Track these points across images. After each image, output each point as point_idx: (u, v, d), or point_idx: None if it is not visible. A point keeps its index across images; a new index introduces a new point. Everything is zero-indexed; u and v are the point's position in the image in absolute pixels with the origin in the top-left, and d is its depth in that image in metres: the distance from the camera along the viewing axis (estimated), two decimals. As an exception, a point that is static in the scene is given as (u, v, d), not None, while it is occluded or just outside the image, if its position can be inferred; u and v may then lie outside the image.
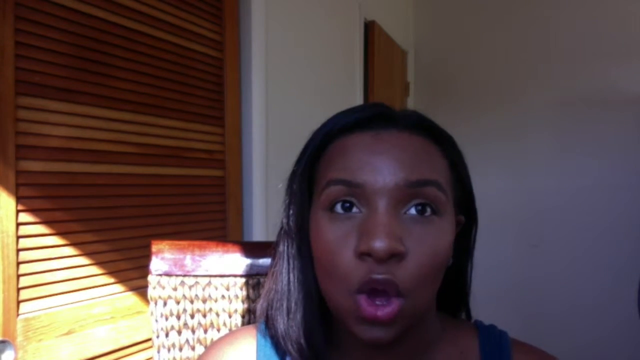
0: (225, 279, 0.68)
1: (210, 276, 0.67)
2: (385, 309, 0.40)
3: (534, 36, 2.65)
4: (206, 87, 1.39)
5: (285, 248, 0.49)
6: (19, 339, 0.91)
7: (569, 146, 2.57)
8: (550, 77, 2.61)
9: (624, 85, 2.44)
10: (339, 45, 2.10)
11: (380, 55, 2.43)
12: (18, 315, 0.91)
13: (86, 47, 1.05)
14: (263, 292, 0.53)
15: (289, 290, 0.48)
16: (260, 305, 0.52)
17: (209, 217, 1.40)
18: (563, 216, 2.56)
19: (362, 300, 0.41)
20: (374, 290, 0.41)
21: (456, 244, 0.47)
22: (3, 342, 0.88)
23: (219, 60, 1.43)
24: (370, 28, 2.35)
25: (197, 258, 0.68)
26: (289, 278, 0.48)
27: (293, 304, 0.48)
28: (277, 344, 0.49)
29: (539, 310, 2.59)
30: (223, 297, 0.67)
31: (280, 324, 0.48)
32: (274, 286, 0.50)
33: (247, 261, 0.68)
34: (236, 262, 0.68)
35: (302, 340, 0.47)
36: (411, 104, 2.96)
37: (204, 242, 0.69)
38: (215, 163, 1.43)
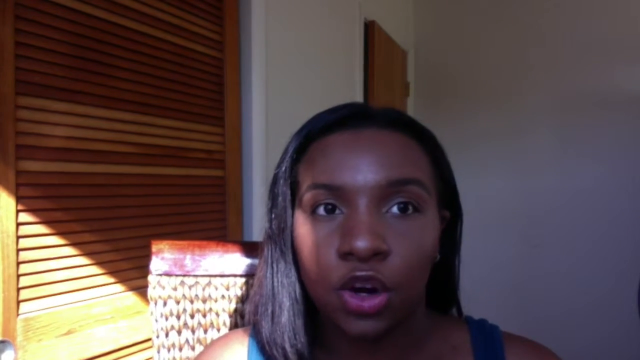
0: (225, 278, 0.68)
1: (210, 276, 0.67)
2: (372, 301, 0.40)
3: (534, 36, 2.65)
4: (206, 87, 1.39)
5: (269, 252, 0.49)
6: (19, 338, 0.91)
7: (569, 146, 2.57)
8: (550, 77, 2.61)
9: (624, 85, 2.44)
10: (339, 45, 2.10)
11: (380, 55, 2.43)
12: (18, 315, 0.91)
13: (86, 47, 1.05)
14: (250, 296, 0.52)
15: (273, 294, 0.48)
16: (247, 311, 0.52)
17: (209, 217, 1.40)
18: (564, 216, 2.56)
19: (346, 294, 0.41)
20: (357, 287, 0.41)
21: (442, 239, 0.47)
22: (3, 342, 0.88)
23: (219, 60, 1.43)
24: (370, 28, 2.35)
25: (197, 258, 0.68)
26: (273, 282, 0.48)
27: (277, 309, 0.47)
28: (263, 349, 0.49)
29: (539, 310, 2.59)
30: (223, 297, 0.67)
31: (265, 329, 0.48)
32: (258, 291, 0.50)
33: (247, 261, 0.68)
34: (236, 262, 0.68)
35: (287, 345, 0.46)
36: (411, 104, 2.96)
37: (204, 242, 0.69)
38: (215, 163, 1.43)
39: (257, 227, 1.53)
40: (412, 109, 2.96)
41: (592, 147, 2.51)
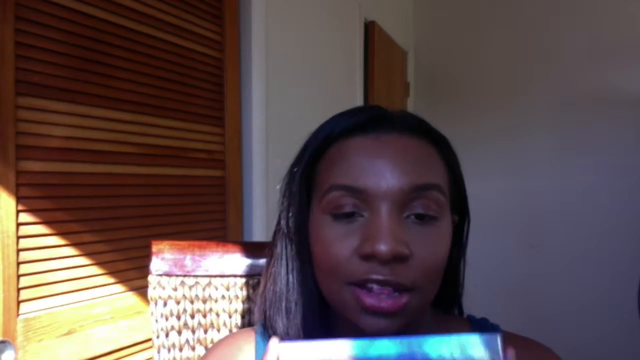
0: (226, 279, 0.68)
1: (211, 276, 0.67)
2: (390, 300, 0.41)
3: (534, 36, 2.65)
4: (206, 87, 1.39)
5: (284, 249, 0.50)
6: (19, 339, 0.91)
7: (569, 146, 2.57)
8: (550, 77, 2.61)
9: (624, 85, 2.44)
10: (339, 45, 2.10)
11: (380, 55, 2.43)
12: (18, 315, 0.91)
13: (86, 47, 1.05)
14: (259, 293, 0.53)
15: (287, 291, 0.48)
16: (257, 307, 0.52)
17: (209, 217, 1.40)
18: (563, 216, 2.56)
19: (360, 291, 0.42)
20: (374, 288, 0.41)
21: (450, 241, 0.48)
22: (3, 342, 0.88)
23: (219, 60, 1.43)
24: (370, 28, 2.35)
25: (197, 258, 0.68)
26: (287, 279, 0.49)
27: (293, 305, 0.48)
28: None
29: (538, 310, 2.59)
30: (223, 297, 0.67)
31: (280, 324, 0.48)
32: (272, 287, 0.50)
33: (247, 261, 0.68)
34: (236, 262, 0.68)
35: None
36: (411, 104, 2.96)
37: (204, 242, 0.69)
38: (215, 163, 1.43)
39: (257, 227, 1.54)
40: (412, 109, 2.95)
41: (591, 147, 2.51)
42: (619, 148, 2.45)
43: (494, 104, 2.75)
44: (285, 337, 0.48)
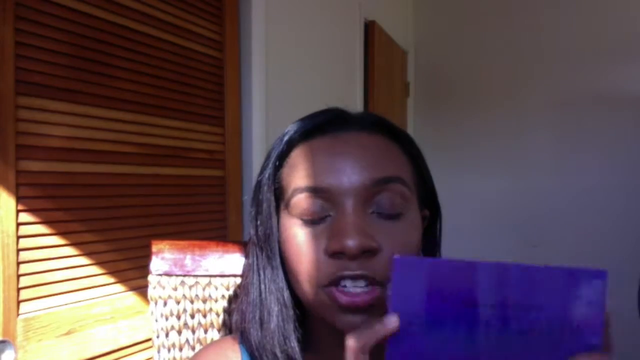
0: (226, 279, 0.68)
1: (211, 276, 0.67)
2: (364, 296, 0.41)
3: (533, 36, 2.65)
4: (206, 87, 1.39)
5: (255, 259, 0.49)
6: (19, 339, 0.91)
7: (569, 146, 2.57)
8: (550, 77, 2.61)
9: (624, 85, 2.44)
10: (339, 45, 2.10)
11: (380, 55, 2.43)
12: (18, 315, 0.91)
13: (86, 47, 1.05)
14: (236, 305, 0.52)
15: (261, 301, 0.48)
16: (234, 320, 0.51)
17: (209, 217, 1.40)
18: (563, 216, 2.56)
19: (334, 291, 0.42)
20: (346, 285, 0.41)
21: (423, 238, 0.48)
22: (3, 342, 0.88)
23: (219, 60, 1.43)
24: (370, 28, 2.35)
25: (197, 258, 0.68)
26: (260, 289, 0.48)
27: (266, 314, 0.47)
28: (253, 356, 0.49)
29: (539, 310, 2.58)
30: (223, 297, 0.67)
31: (254, 335, 0.47)
32: (245, 299, 0.49)
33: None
34: (236, 262, 0.68)
35: (277, 350, 0.46)
36: (411, 104, 2.96)
37: (204, 242, 0.69)
38: (215, 163, 1.43)
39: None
40: (412, 109, 2.96)
41: (591, 146, 2.51)
42: (619, 147, 2.45)
43: (493, 103, 2.75)
44: (260, 348, 0.47)
